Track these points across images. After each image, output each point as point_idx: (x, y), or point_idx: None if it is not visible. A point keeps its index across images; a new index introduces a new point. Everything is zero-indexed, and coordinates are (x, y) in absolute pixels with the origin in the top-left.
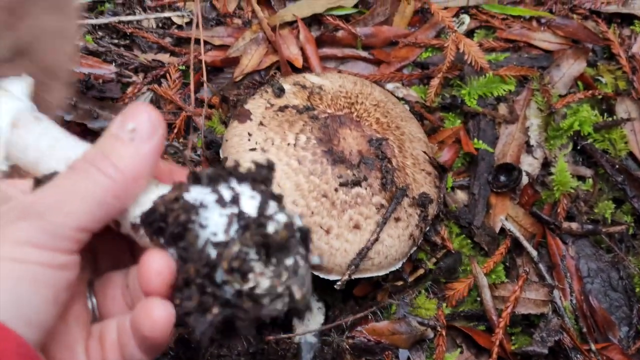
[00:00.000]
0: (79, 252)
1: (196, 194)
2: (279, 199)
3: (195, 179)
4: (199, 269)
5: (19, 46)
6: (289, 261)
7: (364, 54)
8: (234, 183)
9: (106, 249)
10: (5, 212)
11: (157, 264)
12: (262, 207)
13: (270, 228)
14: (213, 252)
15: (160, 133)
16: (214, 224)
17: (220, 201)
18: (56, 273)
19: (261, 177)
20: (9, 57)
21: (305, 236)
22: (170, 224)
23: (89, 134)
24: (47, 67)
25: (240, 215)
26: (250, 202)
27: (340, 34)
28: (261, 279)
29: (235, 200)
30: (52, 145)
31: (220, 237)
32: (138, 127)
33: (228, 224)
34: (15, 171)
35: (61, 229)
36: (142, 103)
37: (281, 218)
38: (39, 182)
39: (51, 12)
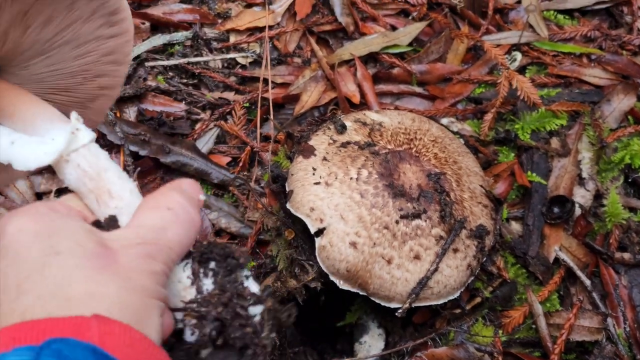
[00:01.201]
0: None
1: None
2: None
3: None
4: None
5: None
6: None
7: (419, 89)
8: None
9: None
10: (123, 247)
11: None
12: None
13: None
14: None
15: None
16: None
17: None
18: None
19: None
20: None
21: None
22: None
23: (161, 168)
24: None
25: None
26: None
27: (395, 71)
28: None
29: None
30: (113, 181)
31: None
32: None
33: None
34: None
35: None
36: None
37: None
38: (109, 223)
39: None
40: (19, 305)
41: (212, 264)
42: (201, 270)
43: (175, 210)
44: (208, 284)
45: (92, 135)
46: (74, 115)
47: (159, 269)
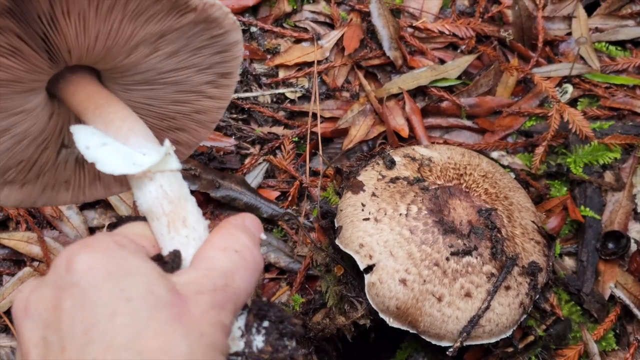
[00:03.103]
0: None
1: None
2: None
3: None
4: None
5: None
6: None
7: (469, 123)
8: None
9: None
10: (195, 293)
11: None
12: None
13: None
14: None
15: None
16: None
17: None
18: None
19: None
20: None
21: None
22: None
23: (211, 202)
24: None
25: None
26: None
27: (444, 104)
28: None
29: None
30: (191, 211)
31: None
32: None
33: None
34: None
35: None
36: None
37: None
38: (174, 260)
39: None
40: (87, 354)
41: (266, 323)
42: (255, 325)
43: (243, 253)
44: (259, 341)
45: (180, 165)
46: (168, 141)
47: (228, 321)
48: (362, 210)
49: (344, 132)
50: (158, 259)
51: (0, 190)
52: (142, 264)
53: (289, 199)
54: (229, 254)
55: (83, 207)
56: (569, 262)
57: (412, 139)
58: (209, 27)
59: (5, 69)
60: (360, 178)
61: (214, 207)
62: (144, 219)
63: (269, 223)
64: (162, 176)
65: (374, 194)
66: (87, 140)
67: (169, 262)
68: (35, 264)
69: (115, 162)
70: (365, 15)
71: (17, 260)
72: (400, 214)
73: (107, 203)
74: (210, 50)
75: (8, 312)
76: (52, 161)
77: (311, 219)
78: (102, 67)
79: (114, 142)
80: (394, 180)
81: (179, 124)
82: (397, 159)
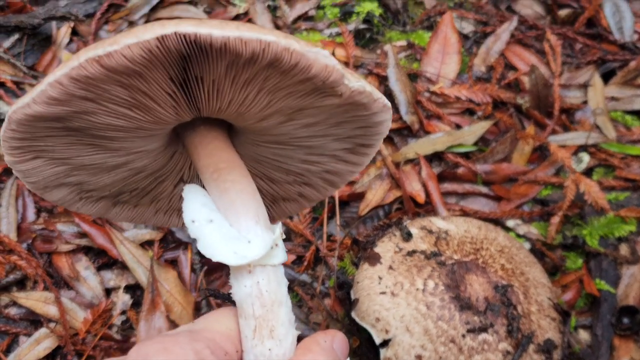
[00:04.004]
0: None
1: None
2: None
3: None
4: None
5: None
6: None
7: (484, 189)
8: None
9: None
10: None
11: None
12: None
13: None
14: None
15: None
16: None
17: None
18: None
19: None
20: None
21: None
22: None
23: (226, 265)
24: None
25: None
26: None
27: (460, 170)
28: None
29: None
30: (282, 321)
31: None
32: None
33: None
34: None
35: None
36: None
37: None
38: None
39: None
40: None
41: None
42: None
43: None
44: None
45: (285, 258)
46: (280, 228)
47: None
48: (379, 283)
49: (360, 196)
50: None
51: (112, 208)
52: None
53: (305, 263)
54: None
55: (100, 268)
56: (584, 335)
57: (428, 205)
58: (355, 108)
59: (128, 119)
60: (377, 249)
61: (229, 270)
62: (234, 303)
63: None
64: (262, 271)
65: (391, 267)
66: (195, 212)
67: None
68: (52, 325)
69: (216, 247)
70: (383, 80)
71: (34, 320)
72: (417, 289)
73: (124, 265)
74: (353, 125)
75: None
76: (168, 192)
77: (327, 285)
78: (233, 123)
79: (222, 220)
80: (411, 253)
81: (305, 179)
82: (414, 231)
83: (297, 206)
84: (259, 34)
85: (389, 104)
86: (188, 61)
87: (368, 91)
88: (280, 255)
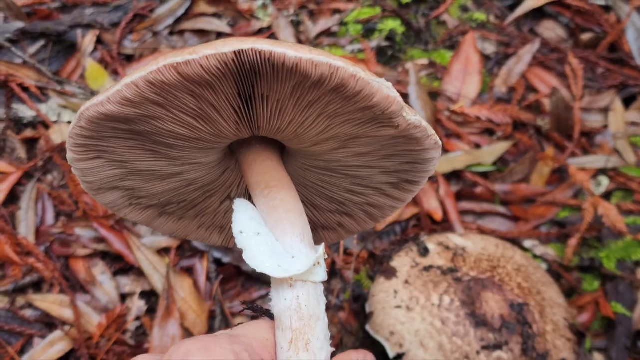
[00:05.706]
0: None
1: None
2: None
3: None
4: None
5: None
6: None
7: (502, 209)
8: None
9: None
10: None
11: None
12: None
13: None
14: None
15: None
16: None
17: None
18: None
19: None
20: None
21: None
22: None
23: (242, 275)
24: None
25: None
26: None
27: (479, 189)
28: None
29: None
30: (318, 335)
31: None
32: None
33: None
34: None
35: None
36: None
37: None
38: None
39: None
40: None
41: None
42: None
43: None
44: None
45: (325, 277)
46: (322, 248)
47: None
48: (395, 297)
49: None
50: None
51: (158, 218)
52: None
53: None
54: None
55: (116, 273)
56: (598, 358)
57: (445, 223)
58: (407, 142)
59: (192, 129)
60: (393, 264)
61: (245, 280)
62: (272, 315)
63: None
64: (302, 286)
65: (407, 282)
66: (244, 225)
67: None
68: (67, 328)
69: (261, 258)
70: (404, 97)
71: (49, 323)
72: (433, 304)
73: (140, 271)
74: (402, 159)
75: None
76: (214, 208)
77: (341, 298)
78: (287, 144)
79: (269, 235)
80: (427, 268)
81: (347, 209)
82: (431, 247)
83: (335, 236)
84: (329, 59)
85: (440, 142)
86: (258, 78)
87: (424, 126)
88: (321, 273)
